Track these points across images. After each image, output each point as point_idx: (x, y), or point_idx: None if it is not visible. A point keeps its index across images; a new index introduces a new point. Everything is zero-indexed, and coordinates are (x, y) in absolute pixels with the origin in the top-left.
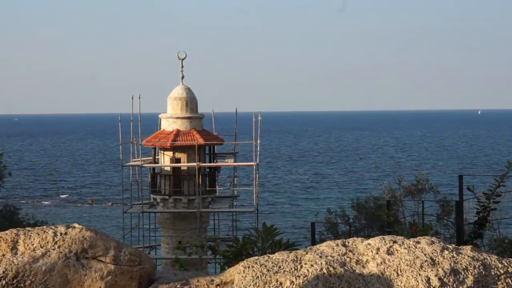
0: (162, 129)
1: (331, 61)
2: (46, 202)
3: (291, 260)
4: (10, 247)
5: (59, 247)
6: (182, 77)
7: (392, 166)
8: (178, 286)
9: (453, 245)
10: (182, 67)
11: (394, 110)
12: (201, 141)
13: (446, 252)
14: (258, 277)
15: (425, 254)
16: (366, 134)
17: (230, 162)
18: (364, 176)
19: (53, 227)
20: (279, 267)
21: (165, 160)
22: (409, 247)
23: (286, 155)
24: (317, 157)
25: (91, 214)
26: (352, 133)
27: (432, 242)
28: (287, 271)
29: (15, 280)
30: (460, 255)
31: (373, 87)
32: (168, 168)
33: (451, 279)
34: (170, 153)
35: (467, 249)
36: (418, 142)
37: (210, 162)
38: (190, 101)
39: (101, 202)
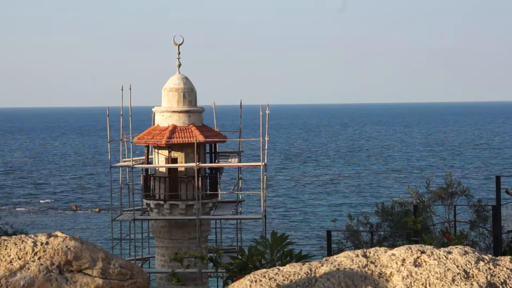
0: (156, 125)
1: (346, 47)
2: (23, 209)
3: (305, 273)
4: None
5: (39, 258)
6: (179, 65)
7: (421, 166)
8: None
9: (490, 256)
10: (179, 53)
11: (426, 103)
12: (200, 138)
13: (481, 263)
14: None
15: (457, 266)
16: (391, 130)
17: (234, 162)
18: (388, 178)
19: (32, 236)
20: (291, 281)
21: (159, 160)
22: (439, 258)
23: (299, 153)
24: (334, 156)
25: (75, 222)
26: (376, 128)
27: (466, 253)
28: (300, 286)
29: None
30: (498, 267)
31: (401, 76)
32: (163, 169)
33: None
34: (166, 152)
35: (505, 260)
36: (450, 138)
37: (211, 162)
38: (188, 93)
39: (87, 208)
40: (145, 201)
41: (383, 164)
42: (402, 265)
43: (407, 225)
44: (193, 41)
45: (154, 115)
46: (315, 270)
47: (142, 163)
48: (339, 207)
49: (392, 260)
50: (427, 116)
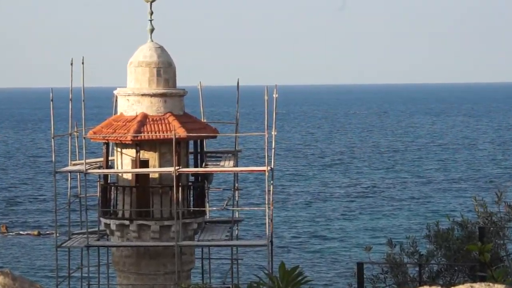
0: (119, 114)
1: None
2: None
3: None
4: None
5: None
6: (152, 30)
7: (490, 173)
8: None
9: None
10: (151, 13)
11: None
12: (181, 132)
13: None
14: None
15: None
16: (449, 121)
17: (228, 166)
18: (444, 189)
19: None
20: None
21: (124, 163)
22: None
23: (318, 155)
24: (369, 158)
25: (5, 249)
26: (427, 119)
27: None
28: None
29: None
30: None
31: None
32: (128, 176)
33: None
34: (132, 152)
35: None
36: None
37: (196, 166)
38: (164, 68)
39: (22, 230)
40: (103, 220)
41: (437, 170)
42: None
43: (470, 255)
44: (174, 1)
45: (116, 100)
46: None
47: (99, 167)
48: (374, 230)
49: None
50: (500, 102)
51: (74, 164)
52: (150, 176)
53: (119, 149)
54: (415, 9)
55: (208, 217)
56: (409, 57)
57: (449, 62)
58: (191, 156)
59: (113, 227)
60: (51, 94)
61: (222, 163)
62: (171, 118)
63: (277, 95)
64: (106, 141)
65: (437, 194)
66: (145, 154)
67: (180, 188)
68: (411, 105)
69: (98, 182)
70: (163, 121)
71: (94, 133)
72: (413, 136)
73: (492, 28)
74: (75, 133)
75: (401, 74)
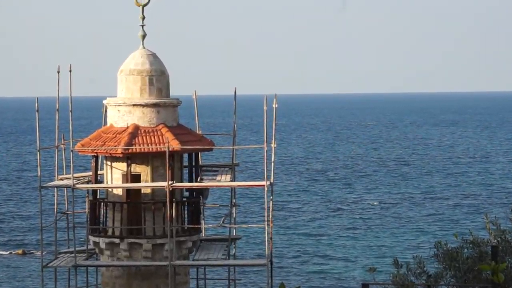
0: (109, 125)
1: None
2: None
3: None
4: None
5: None
6: (143, 36)
7: (504, 188)
8: None
9: None
10: (143, 18)
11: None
12: (175, 144)
13: None
14: None
15: None
16: (461, 134)
17: (225, 180)
18: (454, 205)
19: None
20: None
21: (114, 177)
22: None
23: (321, 169)
24: (375, 173)
25: None
26: (437, 131)
27: None
28: None
29: None
30: None
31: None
32: (119, 192)
33: None
34: (123, 166)
35: None
36: None
37: (190, 180)
38: (157, 77)
39: (5, 249)
40: (92, 238)
41: (446, 185)
42: None
43: (482, 276)
44: (167, 5)
45: (105, 110)
46: None
47: (87, 182)
48: (380, 249)
49: None
50: None
51: (61, 179)
52: (142, 192)
53: (109, 163)
54: (425, 15)
55: (203, 235)
56: (418, 65)
57: (460, 70)
58: (185, 170)
59: (102, 245)
60: (36, 103)
61: (218, 178)
62: (164, 130)
63: (276, 105)
64: (95, 154)
65: (447, 211)
66: (136, 168)
67: (174, 204)
68: (419, 115)
69: (87, 198)
70: (155, 133)
71: (82, 145)
72: (422, 148)
73: (505, 34)
74: (62, 146)
75: (408, 83)
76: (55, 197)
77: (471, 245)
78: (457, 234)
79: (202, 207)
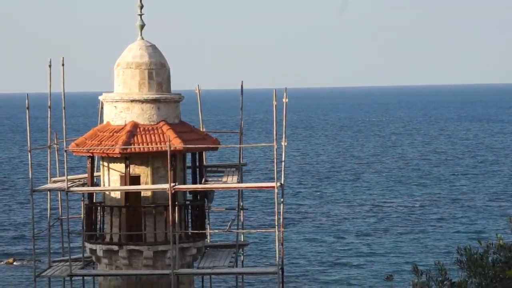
0: (105, 123)
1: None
2: None
3: None
4: None
5: None
6: (142, 26)
7: None
8: None
9: None
10: (142, 7)
11: None
12: (177, 143)
13: None
14: None
15: None
16: (484, 129)
17: (232, 182)
18: (478, 206)
19: None
20: None
21: (111, 179)
22: None
23: (335, 169)
24: (391, 172)
25: None
26: (456, 126)
27: None
28: None
29: None
30: None
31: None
32: (117, 195)
33: None
34: (121, 167)
35: None
36: None
37: (194, 182)
38: (157, 70)
39: None
40: (88, 245)
41: (468, 186)
42: None
43: (509, 283)
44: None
45: (102, 107)
46: None
47: (83, 185)
48: (397, 255)
49: None
50: None
51: (54, 181)
52: (142, 194)
53: (105, 164)
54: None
55: (209, 241)
56: (439, 57)
57: (488, 62)
58: (188, 171)
59: (99, 253)
60: (26, 100)
61: (224, 179)
62: (165, 128)
63: (287, 100)
64: (91, 155)
65: (469, 212)
66: (135, 169)
67: (176, 208)
68: (443, 110)
69: (82, 202)
70: (156, 131)
71: (77, 145)
72: (442, 142)
73: None
74: (55, 146)
75: (427, 75)
76: (48, 202)
77: (497, 250)
78: (481, 240)
79: (207, 211)
